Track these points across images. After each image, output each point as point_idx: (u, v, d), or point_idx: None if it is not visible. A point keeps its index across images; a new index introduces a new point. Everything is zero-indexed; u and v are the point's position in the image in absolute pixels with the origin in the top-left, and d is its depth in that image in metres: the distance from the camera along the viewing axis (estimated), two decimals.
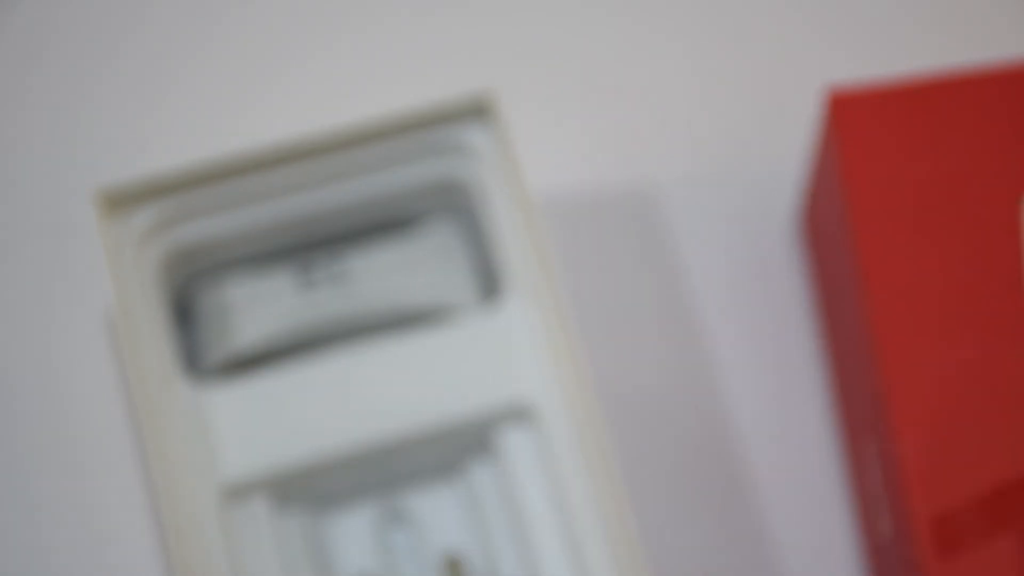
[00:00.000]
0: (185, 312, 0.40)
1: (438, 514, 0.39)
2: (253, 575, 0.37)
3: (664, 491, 0.42)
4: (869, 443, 0.39)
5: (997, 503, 0.35)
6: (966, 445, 0.36)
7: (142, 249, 0.38)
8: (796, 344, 0.44)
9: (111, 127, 0.47)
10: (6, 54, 0.49)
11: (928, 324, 0.36)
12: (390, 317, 0.39)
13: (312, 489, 0.38)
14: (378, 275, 0.39)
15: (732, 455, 0.43)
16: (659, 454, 0.43)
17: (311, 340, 0.39)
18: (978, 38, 0.46)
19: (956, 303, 0.37)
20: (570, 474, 0.37)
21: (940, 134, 0.38)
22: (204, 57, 0.48)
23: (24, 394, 0.44)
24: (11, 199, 0.46)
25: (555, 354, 0.37)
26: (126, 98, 0.47)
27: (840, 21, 0.47)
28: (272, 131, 0.43)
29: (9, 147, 0.47)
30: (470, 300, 0.39)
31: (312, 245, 0.40)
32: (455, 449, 0.38)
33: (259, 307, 0.39)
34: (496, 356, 0.38)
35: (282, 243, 0.40)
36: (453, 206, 0.40)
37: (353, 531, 0.39)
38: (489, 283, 0.40)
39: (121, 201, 0.38)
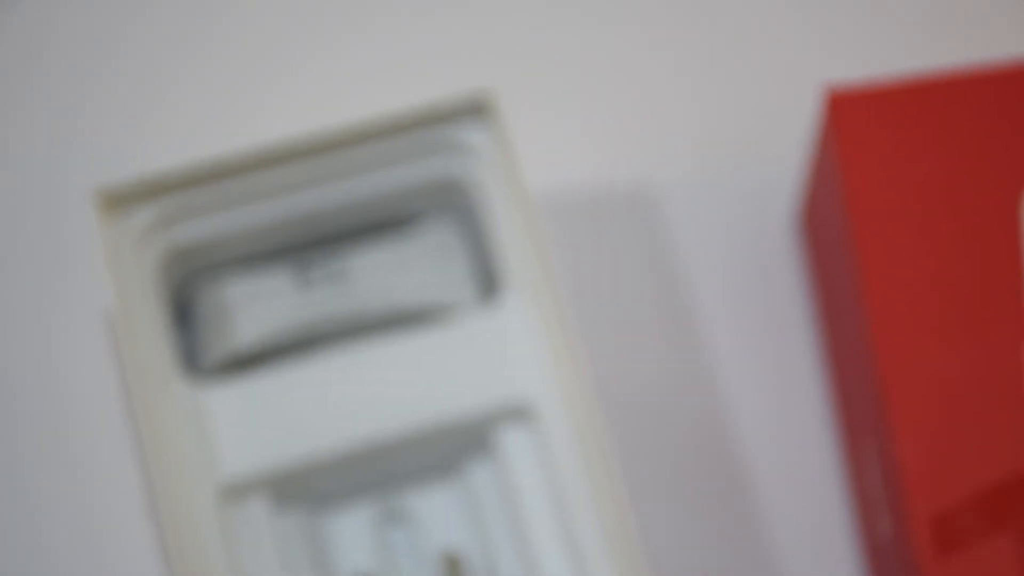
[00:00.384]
0: (184, 311, 0.40)
1: (437, 513, 0.39)
2: (252, 574, 0.37)
3: (663, 490, 0.42)
4: (869, 443, 0.39)
5: (996, 503, 0.35)
6: (965, 446, 0.36)
7: (141, 248, 0.38)
8: (795, 344, 0.44)
9: (110, 127, 0.47)
10: (6, 54, 0.49)
11: (927, 325, 0.37)
12: (388, 316, 0.39)
13: (310, 488, 0.38)
14: (376, 274, 0.39)
15: (731, 455, 0.43)
16: (658, 453, 0.43)
17: (309, 339, 0.39)
18: (977, 38, 0.46)
19: (955, 304, 0.37)
20: (569, 473, 0.37)
21: (940, 134, 0.38)
22: (203, 57, 0.48)
23: (23, 393, 0.44)
24: (11, 199, 0.46)
25: (554, 353, 0.37)
26: (125, 98, 0.47)
27: (839, 21, 0.47)
28: (271, 131, 0.42)
29: (8, 147, 0.47)
30: (468, 299, 0.39)
31: (310, 244, 0.40)
32: (453, 448, 0.38)
33: (257, 306, 0.39)
34: (494, 355, 0.38)
35: (280, 242, 0.40)
36: (452, 205, 0.40)
37: (352, 530, 0.39)
38: (487, 282, 0.40)
39: (120, 201, 0.38)
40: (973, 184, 0.38)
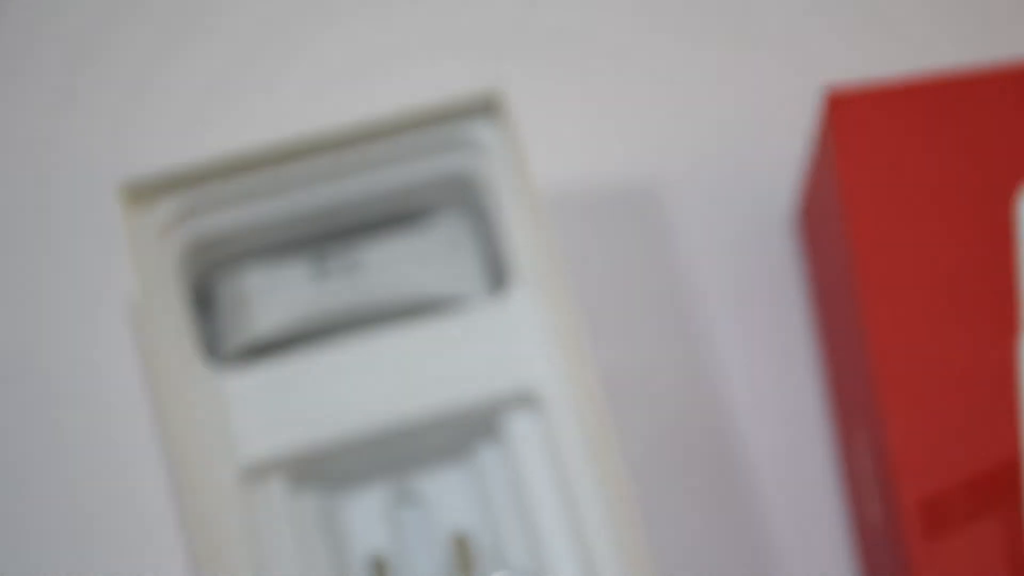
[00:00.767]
0: (205, 300, 0.40)
1: (447, 495, 0.39)
2: (270, 553, 0.37)
3: (664, 475, 0.42)
4: (860, 430, 0.39)
5: (982, 490, 0.35)
6: (953, 434, 0.36)
7: (163, 240, 0.38)
8: (792, 335, 0.44)
9: (131, 121, 0.47)
10: (39, 56, 0.48)
11: (919, 318, 0.37)
12: (401, 306, 0.39)
13: (326, 470, 0.38)
14: (390, 265, 0.39)
15: (729, 441, 0.43)
16: (659, 439, 0.43)
17: (325, 328, 0.39)
18: (975, 38, 0.46)
19: (947, 299, 0.37)
20: (574, 458, 0.37)
21: (936, 133, 0.38)
22: (221, 51, 0.48)
23: (51, 379, 0.44)
24: (38, 192, 0.46)
25: (560, 343, 0.38)
26: (145, 91, 0.47)
27: (838, 21, 0.47)
28: (287, 125, 0.42)
29: (35, 142, 0.47)
30: (478, 290, 0.39)
31: (327, 236, 0.40)
32: (463, 433, 0.38)
33: (275, 296, 0.39)
34: (503, 344, 0.38)
35: (298, 234, 0.40)
36: (462, 200, 0.40)
37: (365, 511, 0.39)
38: (497, 274, 0.40)
39: (143, 194, 0.38)
40: (967, 183, 0.38)
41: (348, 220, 0.40)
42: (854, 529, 0.42)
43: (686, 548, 0.42)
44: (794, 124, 0.44)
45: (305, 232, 0.40)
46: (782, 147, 0.45)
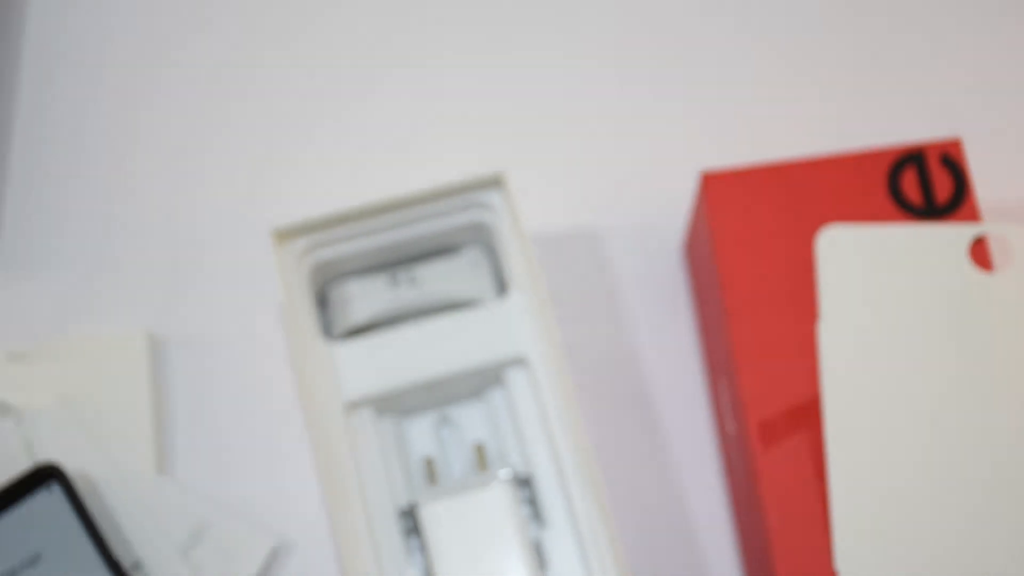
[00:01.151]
0: (323, 301, 0.42)
1: (470, 420, 0.41)
2: (363, 456, 0.39)
3: (601, 406, 0.43)
4: (723, 380, 0.41)
5: (798, 416, 0.37)
6: (780, 381, 0.38)
7: (298, 264, 0.40)
8: (682, 320, 0.45)
9: (281, 184, 0.47)
10: (212, 121, 0.48)
11: (761, 311, 0.39)
12: (442, 304, 0.41)
13: (395, 404, 0.40)
14: (435, 279, 0.41)
15: (641, 387, 0.44)
16: (598, 386, 0.44)
17: (395, 317, 0.41)
18: (818, 134, 0.46)
19: (780, 299, 0.39)
20: (548, 398, 0.39)
21: (774, 196, 0.40)
22: (337, 135, 0.47)
23: (229, 352, 0.44)
24: (218, 230, 0.46)
25: (540, 327, 0.39)
26: (276, 164, 0.47)
27: (717, 125, 0.47)
28: (370, 191, 0.43)
29: (215, 194, 0.47)
30: (490, 294, 0.41)
31: (397, 261, 0.42)
32: (480, 382, 0.40)
33: (364, 298, 0.41)
34: (505, 327, 0.40)
35: (378, 260, 0.41)
36: (480, 238, 0.42)
37: (420, 430, 0.41)
38: (501, 284, 0.42)
39: (286, 235, 0.40)
40: (795, 228, 0.39)
41: (410, 251, 0.41)
42: (719, 440, 0.43)
43: (614, 448, 0.43)
44: (684, 190, 0.45)
45: (383, 259, 0.41)
46: (676, 205, 0.45)
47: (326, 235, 0.40)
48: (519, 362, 0.40)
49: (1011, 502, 0.35)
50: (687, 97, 0.48)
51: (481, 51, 0.48)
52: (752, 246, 0.39)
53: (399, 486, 0.39)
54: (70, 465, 0.41)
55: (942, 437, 0.35)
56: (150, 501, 0.41)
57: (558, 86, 0.48)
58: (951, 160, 0.40)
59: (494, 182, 0.40)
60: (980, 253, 0.36)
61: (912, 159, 0.40)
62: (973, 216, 0.39)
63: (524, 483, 0.39)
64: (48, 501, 0.39)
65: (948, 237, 0.36)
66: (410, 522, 0.39)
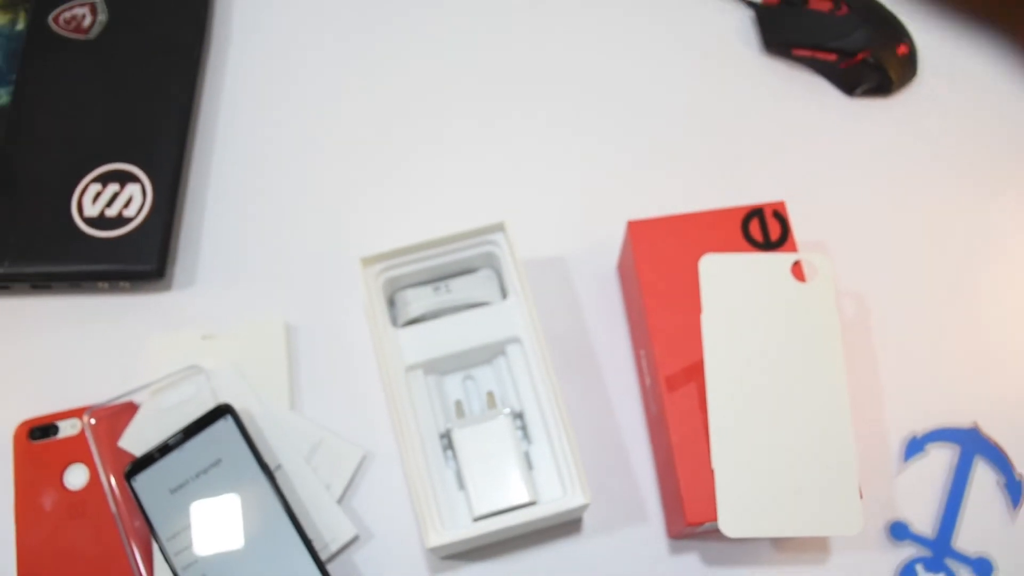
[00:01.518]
0: (391, 302, 0.42)
1: (485, 377, 0.41)
2: (416, 399, 0.39)
3: (566, 372, 0.43)
4: (643, 351, 0.41)
5: (691, 370, 0.37)
6: (681, 350, 0.37)
7: (376, 279, 0.41)
8: (618, 317, 0.44)
9: (364, 225, 0.46)
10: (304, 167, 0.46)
11: (670, 311, 0.38)
12: (467, 305, 0.41)
13: (437, 367, 0.40)
14: (463, 288, 0.41)
15: (591, 360, 0.43)
16: (567, 358, 0.43)
17: (437, 313, 0.41)
18: (701, 197, 0.45)
19: (681, 304, 0.38)
20: (533, 364, 0.39)
21: (678, 238, 0.40)
22: (397, 197, 0.46)
23: (331, 337, 0.44)
24: (330, 258, 0.45)
25: (528, 319, 0.39)
26: (367, 212, 0.46)
27: (638, 191, 0.46)
28: (421, 232, 0.45)
29: (326, 234, 0.46)
30: (498, 297, 0.41)
31: (439, 277, 0.42)
32: (490, 353, 0.40)
33: (417, 300, 0.41)
34: (506, 318, 0.40)
35: (426, 276, 0.42)
36: (490, 263, 0.42)
37: (453, 383, 0.41)
38: (504, 291, 0.41)
39: (368, 261, 0.40)
40: (687, 257, 0.39)
41: (446, 271, 0.42)
42: (640, 388, 0.43)
43: (575, 394, 0.43)
44: (618, 231, 0.45)
45: (429, 275, 0.42)
46: (613, 240, 0.45)
47: (393, 261, 0.41)
48: (515, 341, 0.40)
49: (817, 437, 0.35)
50: (622, 174, 0.47)
51: (491, 130, 0.47)
52: (661, 267, 0.39)
53: (439, 419, 0.39)
54: (237, 405, 0.41)
55: (774, 383, 0.36)
56: (285, 427, 0.41)
57: (543, 161, 0.47)
58: (779, 214, 0.40)
59: (499, 227, 0.41)
60: (797, 271, 0.37)
61: (756, 213, 0.40)
62: (793, 248, 0.39)
63: (518, 416, 0.39)
64: (225, 427, 0.40)
65: (778, 261, 0.37)
66: (447, 442, 0.39)
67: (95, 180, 0.43)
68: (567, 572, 0.39)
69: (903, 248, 0.45)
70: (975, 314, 0.44)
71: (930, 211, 0.46)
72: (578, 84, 0.49)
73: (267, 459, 0.41)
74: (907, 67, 0.48)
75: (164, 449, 0.39)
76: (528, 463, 0.39)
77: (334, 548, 0.40)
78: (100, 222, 0.43)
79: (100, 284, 0.43)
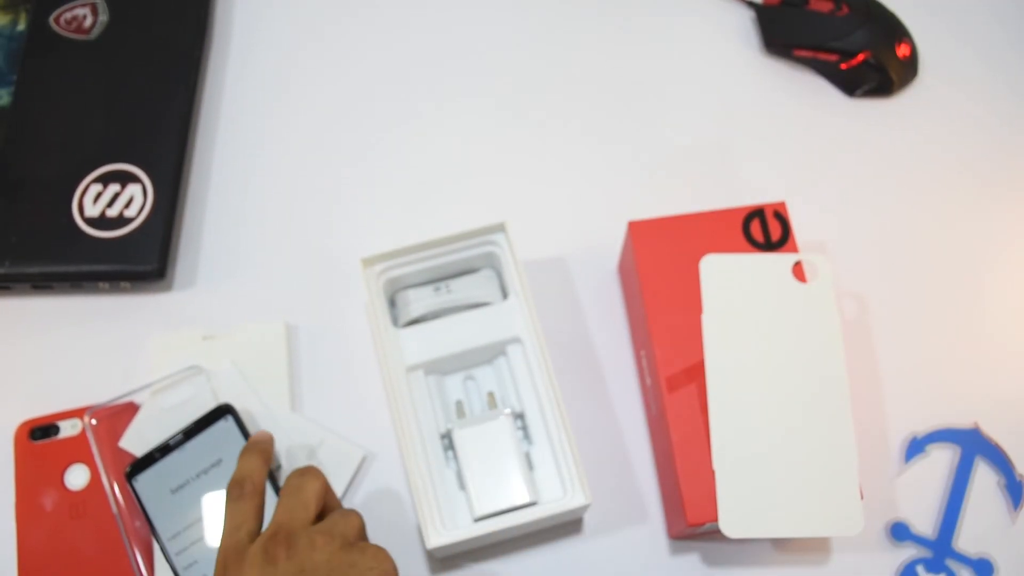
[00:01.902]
0: (392, 302, 0.42)
1: (485, 377, 0.41)
2: (417, 398, 0.39)
3: (564, 369, 0.43)
4: (644, 351, 0.41)
5: (691, 371, 0.37)
6: (681, 351, 0.37)
7: (377, 279, 0.40)
8: (618, 317, 0.44)
9: (365, 226, 0.46)
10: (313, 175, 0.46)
11: (668, 309, 0.38)
12: (468, 305, 0.41)
13: (438, 367, 0.40)
14: (464, 288, 0.41)
15: (591, 360, 0.43)
16: (565, 357, 0.43)
17: (438, 313, 0.41)
18: (701, 198, 0.45)
19: (681, 302, 0.38)
20: (532, 362, 0.39)
21: (679, 239, 0.40)
22: (401, 197, 0.46)
23: (335, 334, 0.44)
24: (330, 260, 0.45)
25: (528, 319, 0.39)
26: (367, 212, 0.46)
27: (638, 191, 0.46)
28: (422, 232, 0.44)
29: (326, 237, 0.45)
30: (499, 298, 0.41)
31: (439, 278, 0.42)
32: (491, 353, 0.41)
33: (418, 300, 0.41)
34: (507, 318, 0.40)
35: (426, 277, 0.42)
36: (491, 263, 0.42)
37: (453, 384, 0.41)
38: (504, 291, 0.42)
39: (369, 261, 0.40)
40: (687, 258, 0.39)
41: (447, 271, 0.42)
42: (641, 388, 0.43)
43: (574, 394, 0.43)
44: (618, 232, 0.45)
45: (430, 275, 0.42)
46: (613, 241, 0.45)
47: (394, 261, 0.41)
48: (516, 341, 0.40)
49: (818, 438, 0.35)
50: (623, 175, 0.47)
51: (491, 131, 0.47)
52: (661, 267, 0.39)
53: (440, 419, 0.39)
54: (238, 405, 0.41)
55: (774, 384, 0.36)
56: (286, 427, 0.41)
57: (544, 161, 0.47)
58: (780, 214, 0.40)
59: (500, 228, 0.41)
60: (798, 271, 0.37)
61: (757, 214, 0.40)
62: (793, 248, 0.40)
63: (519, 417, 0.40)
64: (226, 427, 0.40)
65: (779, 261, 0.37)
66: (447, 442, 0.39)
67: (96, 180, 0.44)
68: (567, 572, 0.39)
69: (904, 249, 0.45)
70: (976, 314, 0.44)
71: (931, 211, 0.46)
72: (579, 84, 0.49)
73: None
74: (908, 68, 0.48)
75: (165, 449, 0.39)
76: (529, 463, 0.39)
77: None
78: (101, 222, 0.43)
79: (101, 284, 0.44)
